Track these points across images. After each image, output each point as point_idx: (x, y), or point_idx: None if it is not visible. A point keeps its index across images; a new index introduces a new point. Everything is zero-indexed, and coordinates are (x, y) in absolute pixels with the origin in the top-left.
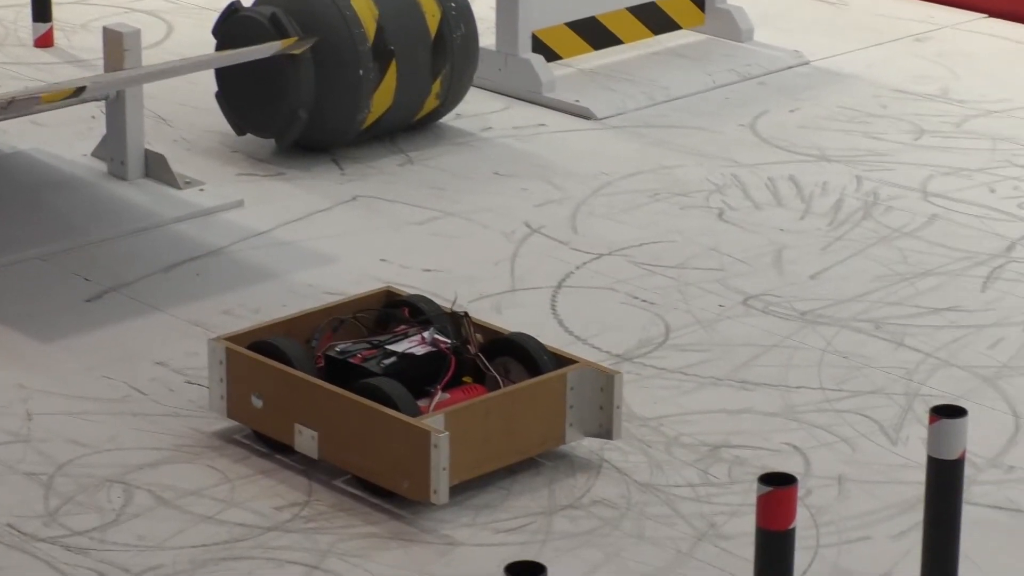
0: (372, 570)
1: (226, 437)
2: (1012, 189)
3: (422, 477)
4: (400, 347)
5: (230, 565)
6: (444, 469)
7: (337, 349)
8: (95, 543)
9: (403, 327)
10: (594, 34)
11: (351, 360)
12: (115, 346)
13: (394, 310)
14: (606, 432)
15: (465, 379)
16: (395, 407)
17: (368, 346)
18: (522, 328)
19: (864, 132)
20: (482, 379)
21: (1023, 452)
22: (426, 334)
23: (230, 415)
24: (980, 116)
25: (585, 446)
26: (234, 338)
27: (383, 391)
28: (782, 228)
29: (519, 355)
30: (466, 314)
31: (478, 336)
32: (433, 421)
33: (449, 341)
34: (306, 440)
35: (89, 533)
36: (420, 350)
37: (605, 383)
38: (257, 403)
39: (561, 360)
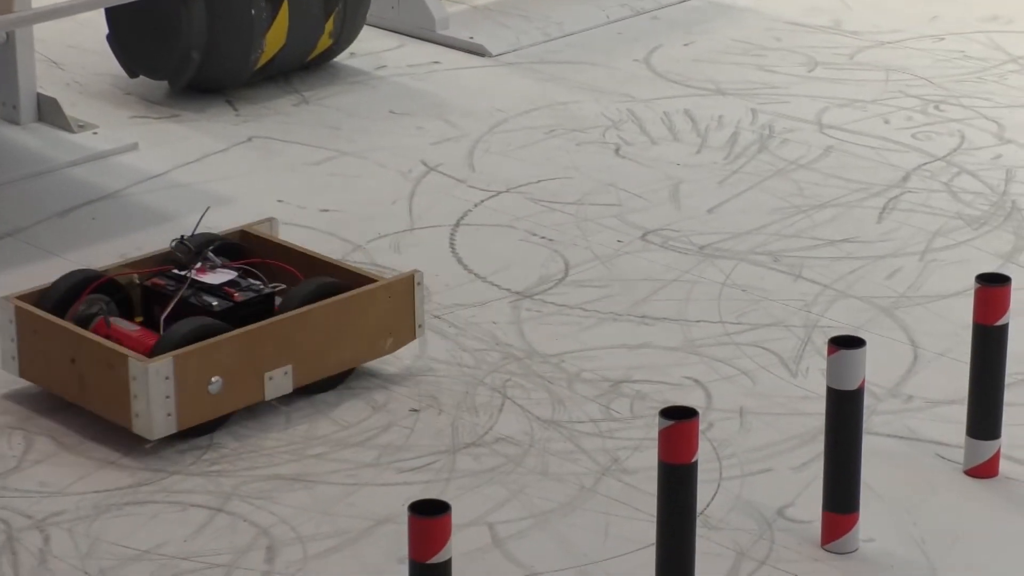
0: (276, 512)
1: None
2: (906, 120)
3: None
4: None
5: (134, 510)
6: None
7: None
8: None
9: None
10: None
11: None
12: (11, 291)
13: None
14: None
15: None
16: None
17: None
18: (420, 266)
19: (758, 65)
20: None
21: (921, 382)
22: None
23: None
24: (873, 47)
25: (487, 383)
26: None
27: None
28: (678, 163)
29: None
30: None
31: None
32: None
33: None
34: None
35: None
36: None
37: None
38: (215, 387)
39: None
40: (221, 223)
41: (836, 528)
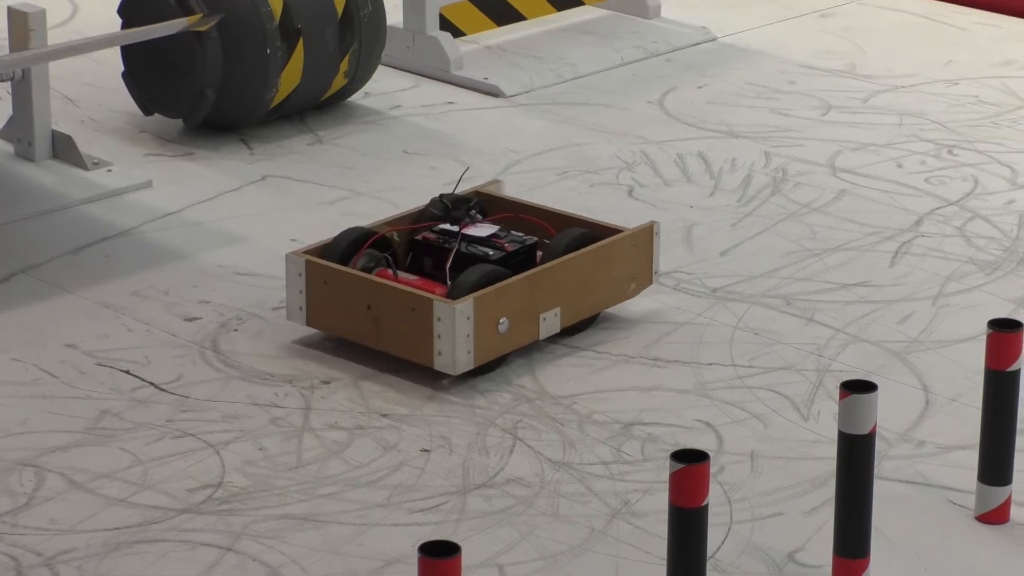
0: (286, 552)
1: (137, 421)
2: (919, 164)
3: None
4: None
5: (143, 548)
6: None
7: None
8: (7, 527)
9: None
10: (497, 10)
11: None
12: (24, 329)
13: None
14: None
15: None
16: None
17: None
18: None
19: (772, 108)
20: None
21: (933, 427)
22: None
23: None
24: (886, 91)
25: (498, 424)
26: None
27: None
28: (692, 205)
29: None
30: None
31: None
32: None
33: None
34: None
35: (1, 517)
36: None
37: None
38: (503, 327)
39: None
40: (235, 262)
41: (847, 573)
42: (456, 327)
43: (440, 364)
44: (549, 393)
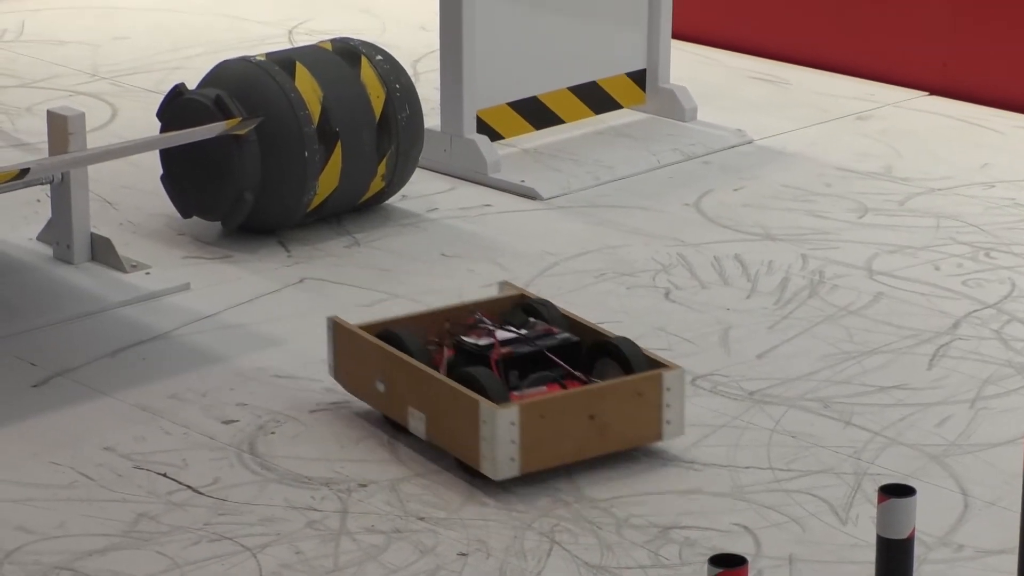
0: None
1: (174, 524)
2: (956, 267)
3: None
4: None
5: None
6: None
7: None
8: None
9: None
10: (536, 114)
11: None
12: (62, 431)
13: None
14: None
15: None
16: (483, 392)
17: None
18: None
19: (808, 210)
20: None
21: (972, 531)
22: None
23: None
24: (923, 194)
25: (535, 528)
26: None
27: (474, 377)
28: (728, 307)
29: (619, 359)
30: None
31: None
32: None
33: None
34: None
35: None
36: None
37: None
38: (380, 387)
39: (654, 364)
40: (273, 365)
41: None
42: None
43: (668, 433)
44: (586, 496)
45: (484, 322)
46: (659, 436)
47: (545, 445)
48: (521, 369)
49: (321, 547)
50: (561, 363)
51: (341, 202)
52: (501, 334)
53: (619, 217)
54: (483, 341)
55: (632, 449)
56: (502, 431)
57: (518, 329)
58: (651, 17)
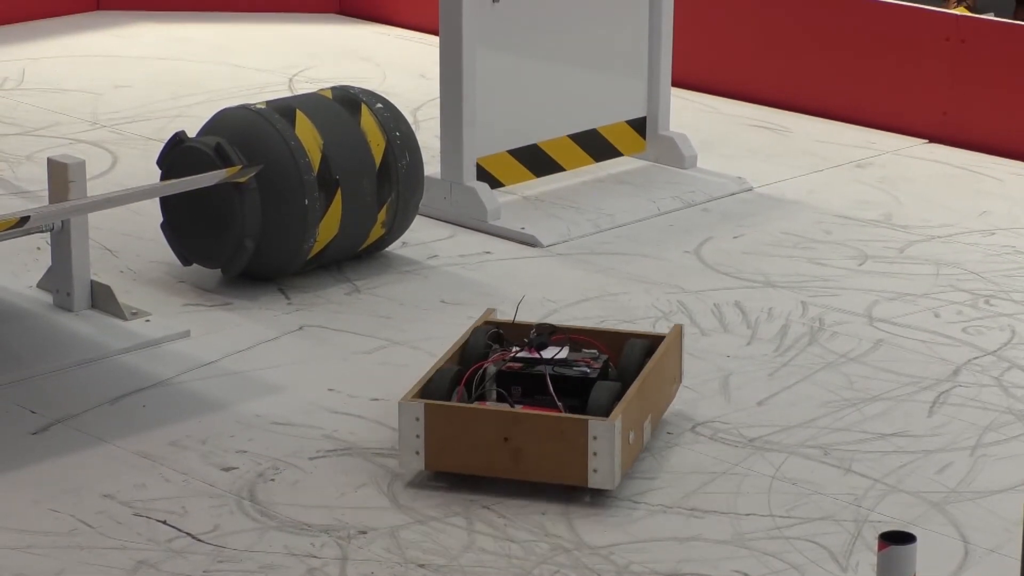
0: None
1: (174, 571)
2: (956, 314)
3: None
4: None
5: None
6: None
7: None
8: None
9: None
10: (536, 161)
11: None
12: (62, 479)
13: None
14: None
15: None
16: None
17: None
18: None
19: (808, 258)
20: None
21: None
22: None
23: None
24: (923, 241)
25: (535, 575)
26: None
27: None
28: (728, 354)
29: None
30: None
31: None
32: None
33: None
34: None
35: None
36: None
37: None
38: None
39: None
40: (273, 412)
41: None
42: (614, 443)
43: (595, 482)
44: (586, 543)
45: (534, 340)
46: (584, 481)
47: (451, 449)
48: (525, 387)
49: None
50: (550, 388)
51: (341, 249)
52: (525, 353)
53: (619, 264)
54: (497, 354)
55: (558, 485)
56: (406, 425)
57: (555, 354)
58: (651, 65)
